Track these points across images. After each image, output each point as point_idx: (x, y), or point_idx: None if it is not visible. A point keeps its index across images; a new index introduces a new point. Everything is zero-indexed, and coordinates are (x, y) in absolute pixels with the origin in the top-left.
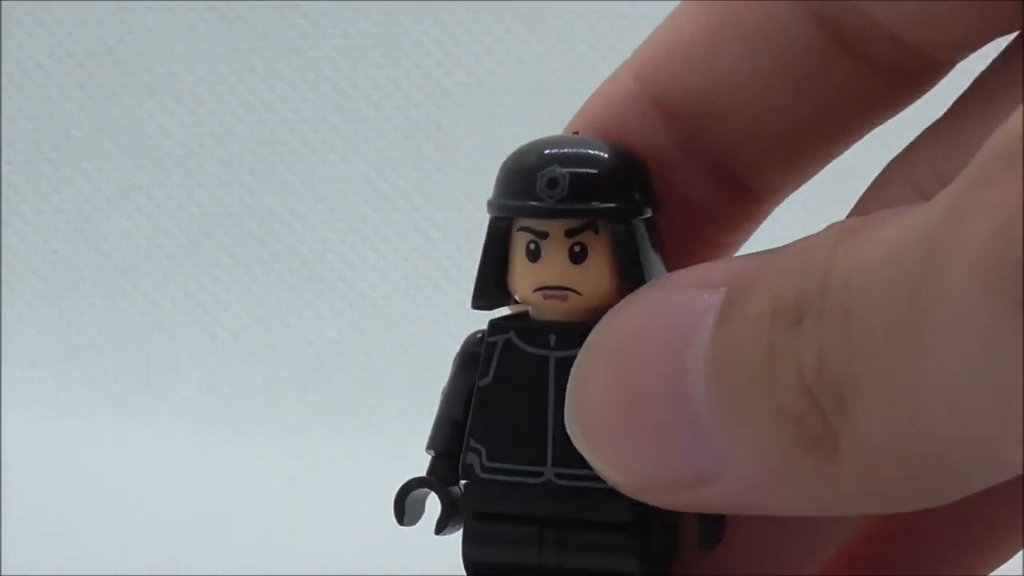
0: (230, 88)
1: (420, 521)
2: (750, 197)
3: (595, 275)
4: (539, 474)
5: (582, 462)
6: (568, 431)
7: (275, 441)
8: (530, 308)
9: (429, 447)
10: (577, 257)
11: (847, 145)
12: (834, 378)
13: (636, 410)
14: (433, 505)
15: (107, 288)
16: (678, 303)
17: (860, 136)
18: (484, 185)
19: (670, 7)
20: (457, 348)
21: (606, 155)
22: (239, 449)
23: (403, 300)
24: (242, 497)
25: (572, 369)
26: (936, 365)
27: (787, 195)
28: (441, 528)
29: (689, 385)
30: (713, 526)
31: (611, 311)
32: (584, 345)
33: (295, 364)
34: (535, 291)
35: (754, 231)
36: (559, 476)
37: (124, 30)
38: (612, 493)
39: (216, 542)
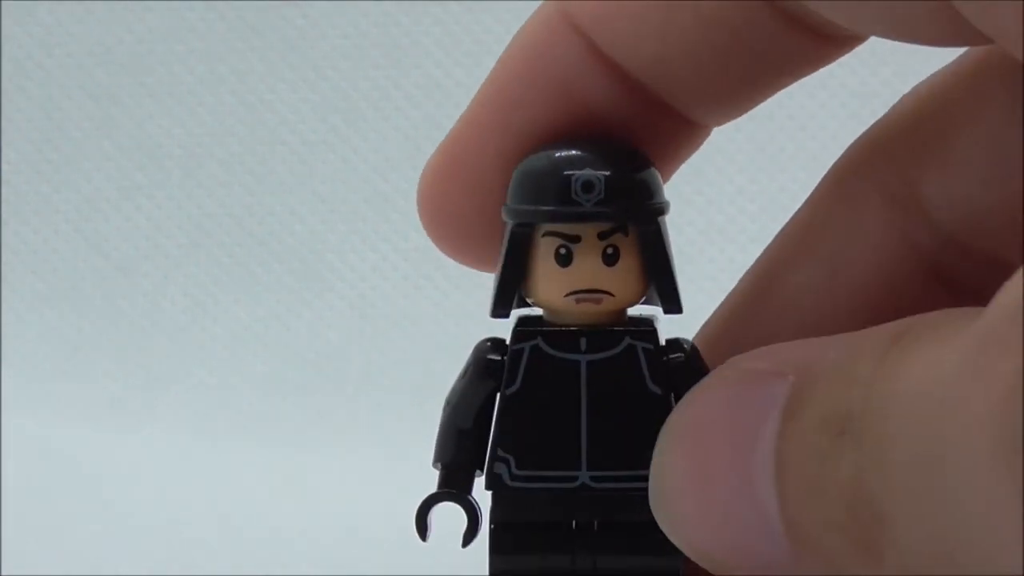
0: (230, 88)
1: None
2: (691, 127)
3: (627, 276)
4: (574, 478)
5: (617, 464)
6: (651, 508)
7: (275, 441)
8: (546, 312)
9: (437, 460)
10: (610, 259)
11: (781, 88)
12: (873, 497)
13: (709, 497)
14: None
15: (107, 288)
16: (749, 391)
17: (793, 81)
18: None
19: None
20: (457, 348)
21: (631, 157)
22: (239, 449)
23: (403, 300)
24: (242, 497)
25: (655, 451)
26: (953, 503)
27: (727, 121)
28: (469, 540)
29: (756, 480)
30: None
31: (689, 394)
32: (663, 428)
33: (295, 364)
34: (567, 295)
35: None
36: (594, 479)
37: (124, 30)
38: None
39: (216, 543)
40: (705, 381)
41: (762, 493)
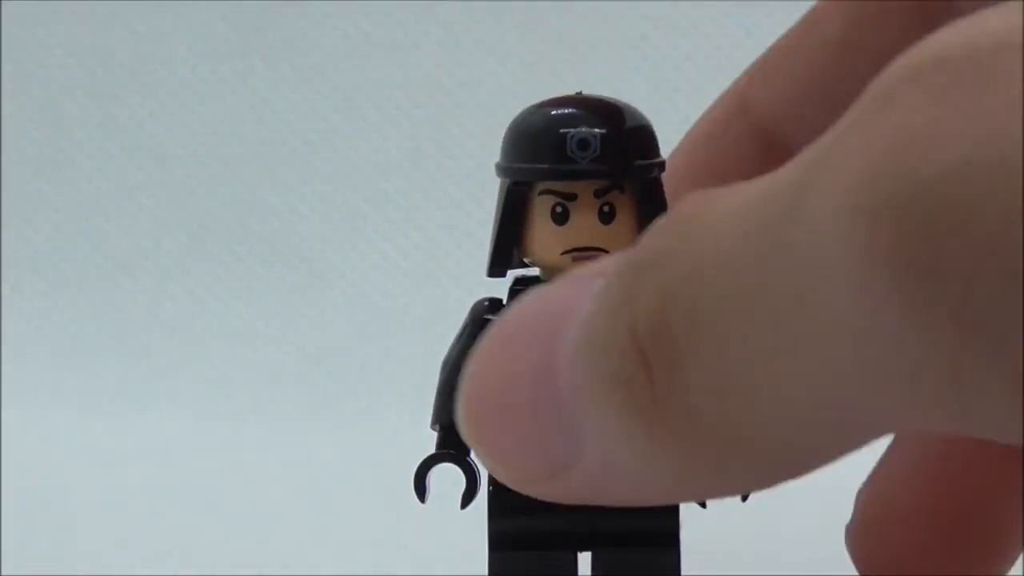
0: (231, 87)
1: (421, 505)
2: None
3: (623, 234)
4: None
5: None
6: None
7: (276, 439)
8: (543, 271)
9: (435, 421)
10: (606, 217)
11: None
12: (669, 332)
13: (511, 398)
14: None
15: (108, 287)
16: (564, 290)
17: None
18: (484, 184)
19: (670, 7)
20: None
21: (626, 113)
22: (239, 447)
23: (403, 298)
24: (243, 494)
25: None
26: (788, 318)
27: None
28: (467, 502)
29: (558, 370)
30: None
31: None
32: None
33: (296, 362)
34: (563, 254)
35: None
36: None
37: (125, 30)
38: None
39: (217, 539)
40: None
41: (562, 386)
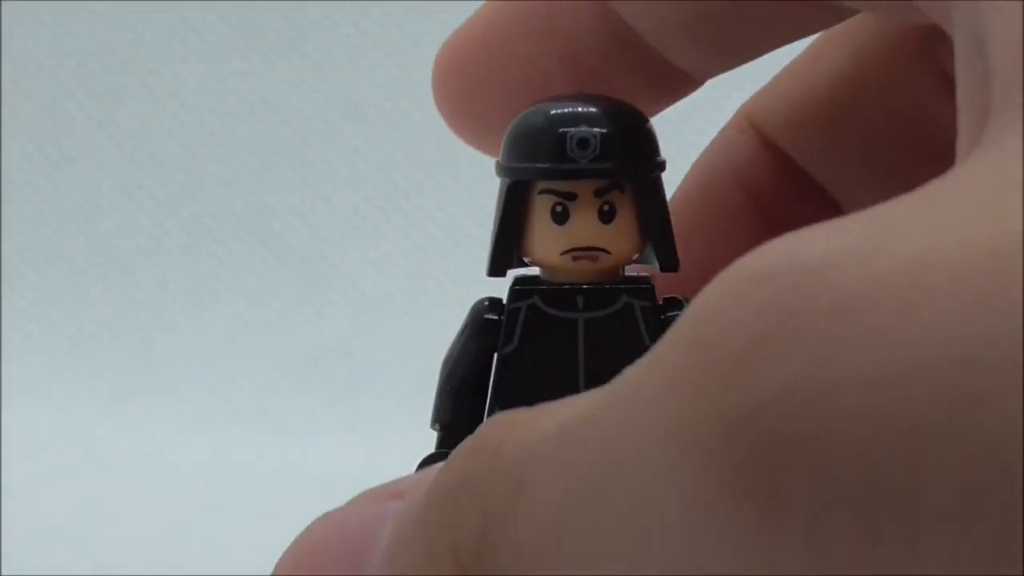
0: (231, 87)
1: None
2: (683, 78)
3: (624, 233)
4: None
5: None
6: None
7: (275, 438)
8: (543, 271)
9: (435, 420)
10: (606, 216)
11: (785, 43)
12: (493, 557)
13: None
14: None
15: (108, 286)
16: (360, 515)
17: (794, 39)
18: (484, 183)
19: None
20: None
21: (627, 114)
22: (239, 446)
23: (403, 297)
24: (242, 492)
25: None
26: (621, 538)
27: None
28: None
29: None
30: None
31: (300, 534)
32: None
33: (296, 361)
34: (563, 253)
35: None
36: None
37: (124, 30)
38: None
39: (215, 537)
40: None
41: None
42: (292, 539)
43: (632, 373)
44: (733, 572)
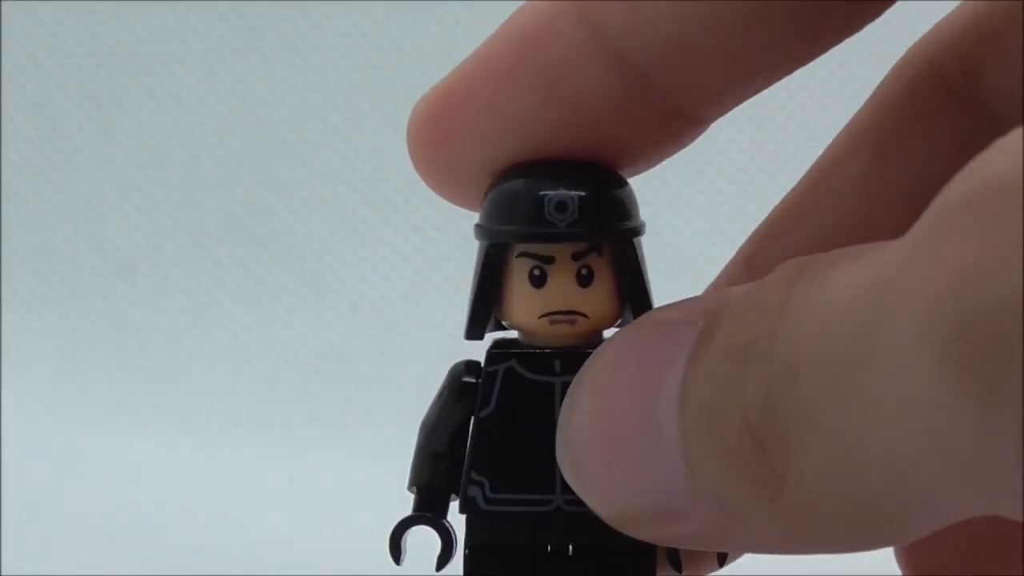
0: (230, 88)
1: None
2: (689, 122)
3: (601, 297)
4: (548, 502)
5: None
6: (558, 462)
7: (275, 442)
8: (521, 334)
9: (412, 484)
10: (584, 280)
11: (788, 72)
12: (779, 422)
13: (615, 443)
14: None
15: (107, 289)
16: (657, 338)
17: (802, 65)
18: None
19: None
20: (457, 349)
21: (606, 177)
22: (238, 450)
23: (403, 301)
24: (241, 498)
25: (564, 400)
26: (878, 418)
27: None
28: (443, 564)
29: (662, 421)
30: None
31: (602, 346)
32: (575, 378)
33: (295, 365)
34: (541, 317)
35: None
36: (568, 503)
37: (124, 30)
38: None
39: (215, 544)
40: (616, 334)
41: (667, 437)
42: (292, 541)
43: (888, 260)
44: (962, 462)
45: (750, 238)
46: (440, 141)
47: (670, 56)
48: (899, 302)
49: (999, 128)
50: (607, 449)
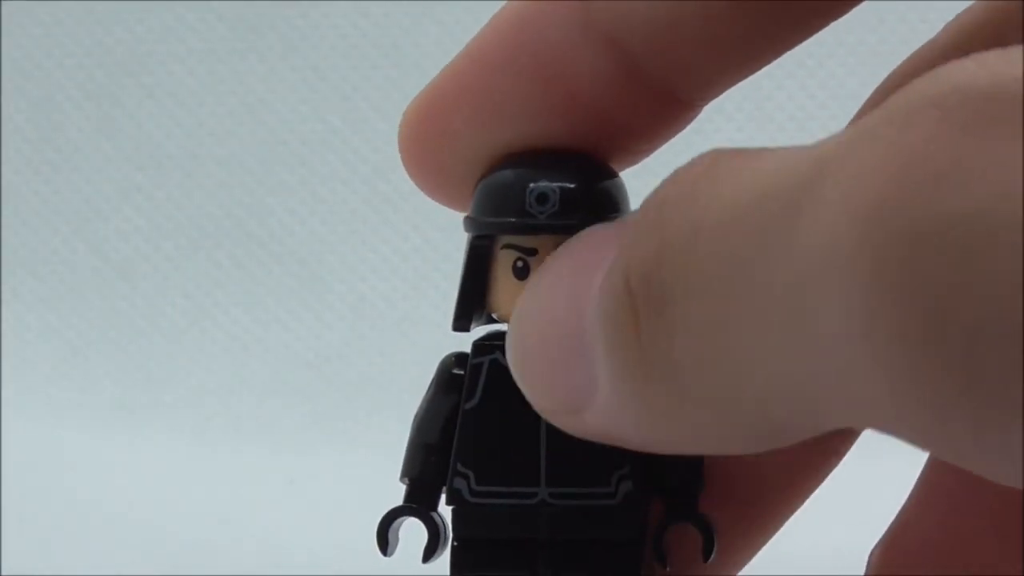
0: (230, 89)
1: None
2: (682, 107)
3: None
4: (532, 494)
5: (576, 480)
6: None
7: (275, 443)
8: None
9: (404, 475)
10: None
11: (779, 53)
12: (661, 283)
13: (546, 339)
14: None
15: (106, 290)
16: (603, 236)
17: (792, 45)
18: None
19: None
20: (456, 350)
21: (591, 168)
22: (238, 450)
23: (403, 301)
24: (241, 498)
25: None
26: (775, 318)
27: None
28: (429, 556)
29: (587, 314)
30: (707, 537)
31: (554, 252)
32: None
33: (295, 365)
34: None
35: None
36: (553, 495)
37: (123, 31)
38: (608, 510)
39: (215, 544)
40: (567, 241)
41: (586, 336)
42: (292, 541)
43: (832, 141)
44: (874, 384)
45: None
46: (432, 141)
47: (661, 39)
48: (834, 185)
49: None
50: (537, 342)
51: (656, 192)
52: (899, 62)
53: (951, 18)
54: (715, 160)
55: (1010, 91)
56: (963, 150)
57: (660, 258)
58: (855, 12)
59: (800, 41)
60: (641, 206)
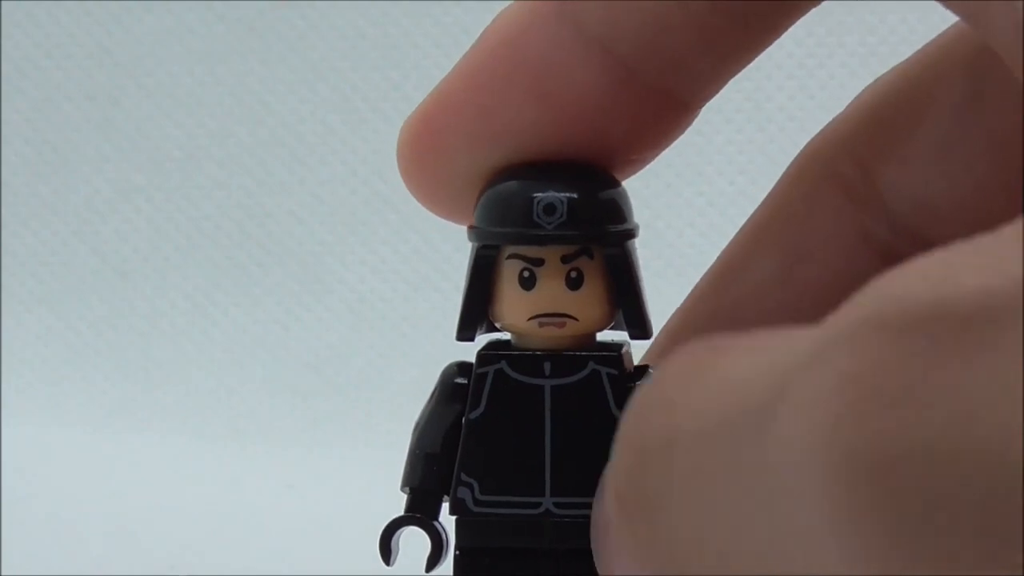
0: (229, 89)
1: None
2: (679, 108)
3: (592, 300)
4: (537, 504)
5: (581, 490)
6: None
7: (274, 445)
8: (514, 336)
9: (405, 484)
10: (574, 283)
11: (768, 44)
12: (645, 490)
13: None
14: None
15: (106, 291)
16: None
17: (781, 33)
18: None
19: None
20: (456, 351)
21: (596, 179)
22: (238, 453)
23: (402, 303)
24: (241, 500)
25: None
26: (752, 537)
27: (714, 94)
28: (432, 566)
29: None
30: None
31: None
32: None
33: (294, 367)
34: (530, 319)
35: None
36: (558, 506)
37: (123, 31)
38: None
39: (215, 548)
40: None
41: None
42: (292, 542)
43: (788, 364)
44: None
45: (671, 318)
46: (430, 159)
47: (652, 42)
48: (794, 407)
49: (899, 227)
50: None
51: (637, 396)
52: (899, 62)
53: (951, 18)
54: (688, 363)
55: (951, 308)
56: (912, 376)
57: (644, 467)
58: (855, 12)
59: (787, 27)
60: (627, 408)
